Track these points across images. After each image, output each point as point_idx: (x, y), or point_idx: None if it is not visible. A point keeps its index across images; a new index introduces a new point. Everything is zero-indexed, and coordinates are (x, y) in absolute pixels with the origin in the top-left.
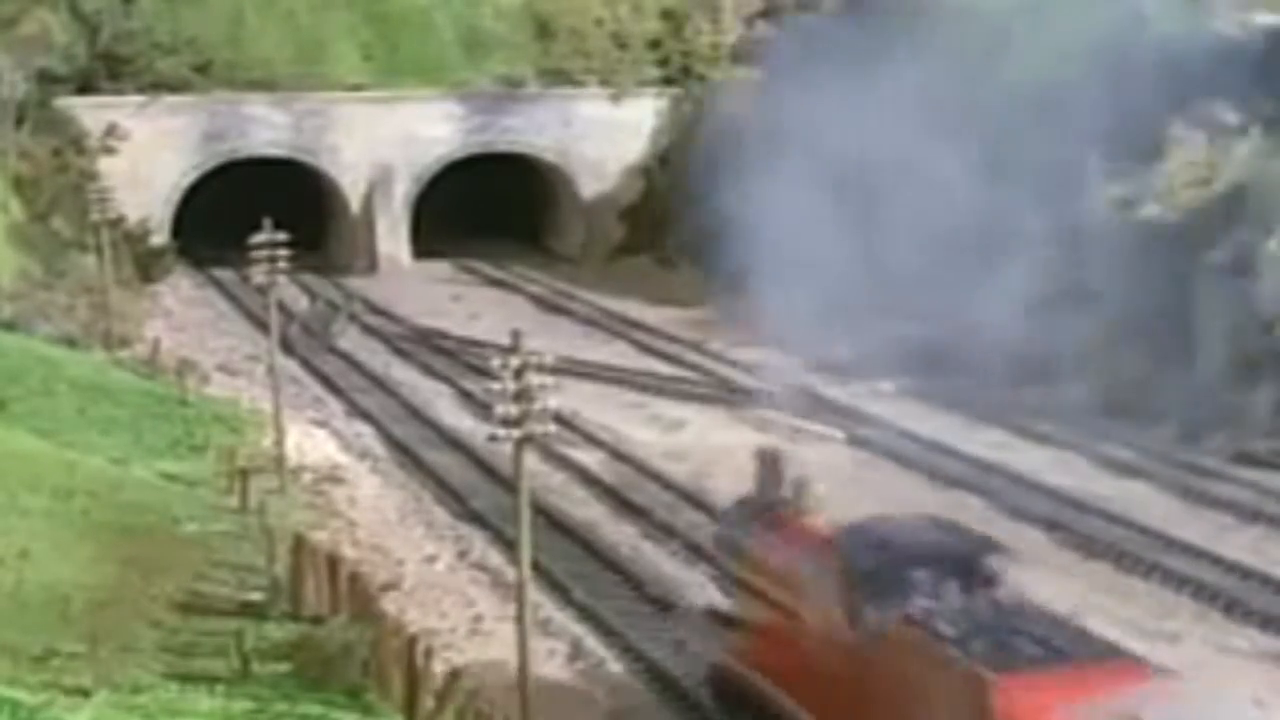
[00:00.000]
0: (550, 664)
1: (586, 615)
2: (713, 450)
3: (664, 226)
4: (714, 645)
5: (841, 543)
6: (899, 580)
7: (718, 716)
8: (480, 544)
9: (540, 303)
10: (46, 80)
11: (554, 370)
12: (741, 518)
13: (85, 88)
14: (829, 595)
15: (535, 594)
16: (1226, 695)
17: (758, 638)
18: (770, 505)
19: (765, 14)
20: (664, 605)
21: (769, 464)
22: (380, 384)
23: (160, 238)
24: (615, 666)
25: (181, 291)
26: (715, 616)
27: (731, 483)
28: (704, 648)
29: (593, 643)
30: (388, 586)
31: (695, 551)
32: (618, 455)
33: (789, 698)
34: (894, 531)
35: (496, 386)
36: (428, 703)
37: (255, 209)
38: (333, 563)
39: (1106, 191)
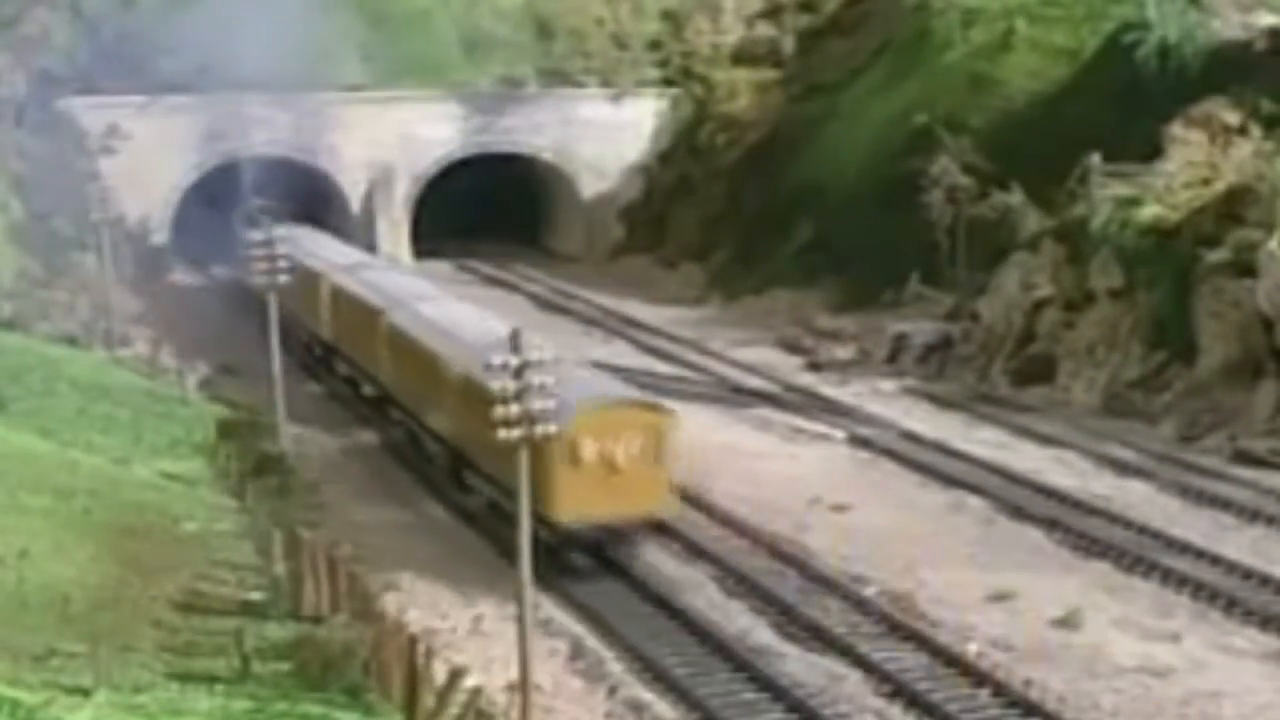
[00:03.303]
0: None
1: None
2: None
3: (664, 226)
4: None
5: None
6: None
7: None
8: (480, 543)
9: (540, 302)
10: (47, 80)
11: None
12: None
13: (85, 88)
14: None
15: None
16: None
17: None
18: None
19: (766, 14)
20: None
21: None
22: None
23: (160, 237)
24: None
25: (181, 290)
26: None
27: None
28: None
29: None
30: (387, 586)
31: None
32: None
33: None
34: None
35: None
36: (428, 702)
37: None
38: (332, 562)
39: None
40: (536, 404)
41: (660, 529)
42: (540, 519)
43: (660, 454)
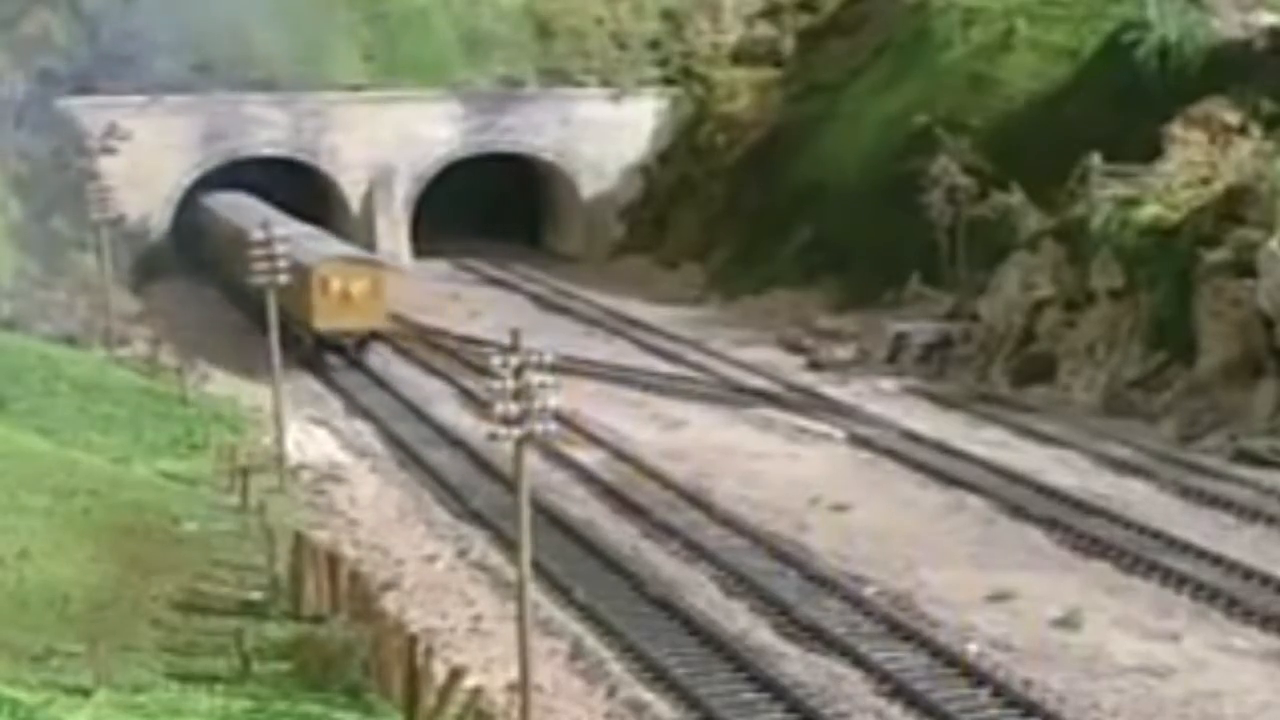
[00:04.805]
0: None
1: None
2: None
3: (664, 226)
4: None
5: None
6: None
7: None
8: (480, 543)
9: (540, 301)
10: (46, 80)
11: (554, 369)
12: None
13: (85, 88)
14: None
15: None
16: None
17: None
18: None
19: (766, 14)
20: None
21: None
22: (379, 381)
23: (160, 237)
24: None
25: (181, 290)
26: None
27: None
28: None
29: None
30: (387, 586)
31: None
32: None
33: None
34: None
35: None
36: (429, 702)
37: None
38: (333, 562)
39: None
40: (536, 403)
41: (661, 528)
42: (305, 328)
43: (379, 292)
